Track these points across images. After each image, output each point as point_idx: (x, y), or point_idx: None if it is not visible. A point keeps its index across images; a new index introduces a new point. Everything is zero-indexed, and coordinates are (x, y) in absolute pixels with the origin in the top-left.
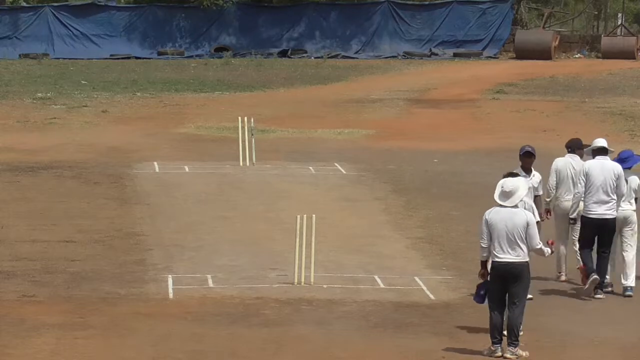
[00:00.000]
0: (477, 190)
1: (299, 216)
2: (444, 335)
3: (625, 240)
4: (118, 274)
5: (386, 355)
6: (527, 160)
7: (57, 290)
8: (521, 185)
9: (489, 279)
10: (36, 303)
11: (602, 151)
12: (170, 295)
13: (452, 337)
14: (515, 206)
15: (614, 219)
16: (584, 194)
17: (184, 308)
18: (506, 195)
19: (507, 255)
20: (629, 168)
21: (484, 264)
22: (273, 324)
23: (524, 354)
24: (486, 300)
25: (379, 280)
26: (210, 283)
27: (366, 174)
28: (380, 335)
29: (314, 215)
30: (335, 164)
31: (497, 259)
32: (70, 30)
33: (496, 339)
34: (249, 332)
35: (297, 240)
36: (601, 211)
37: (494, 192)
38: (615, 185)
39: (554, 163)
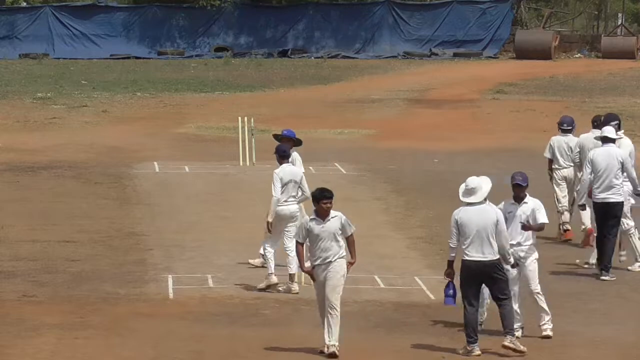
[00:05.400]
0: None
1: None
2: (444, 335)
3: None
4: (118, 274)
5: (386, 355)
6: (517, 190)
7: (57, 290)
8: (485, 182)
9: (460, 278)
10: (36, 303)
11: (608, 140)
12: (170, 295)
13: (452, 337)
14: (483, 203)
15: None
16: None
17: (184, 308)
18: (470, 192)
19: (478, 254)
20: None
21: (450, 263)
22: (273, 324)
23: (521, 347)
24: (455, 301)
25: (379, 280)
26: (210, 283)
27: (366, 174)
28: (380, 335)
29: None
30: (335, 164)
31: (468, 258)
32: (70, 30)
33: (472, 338)
34: (249, 332)
35: None
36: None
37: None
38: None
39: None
